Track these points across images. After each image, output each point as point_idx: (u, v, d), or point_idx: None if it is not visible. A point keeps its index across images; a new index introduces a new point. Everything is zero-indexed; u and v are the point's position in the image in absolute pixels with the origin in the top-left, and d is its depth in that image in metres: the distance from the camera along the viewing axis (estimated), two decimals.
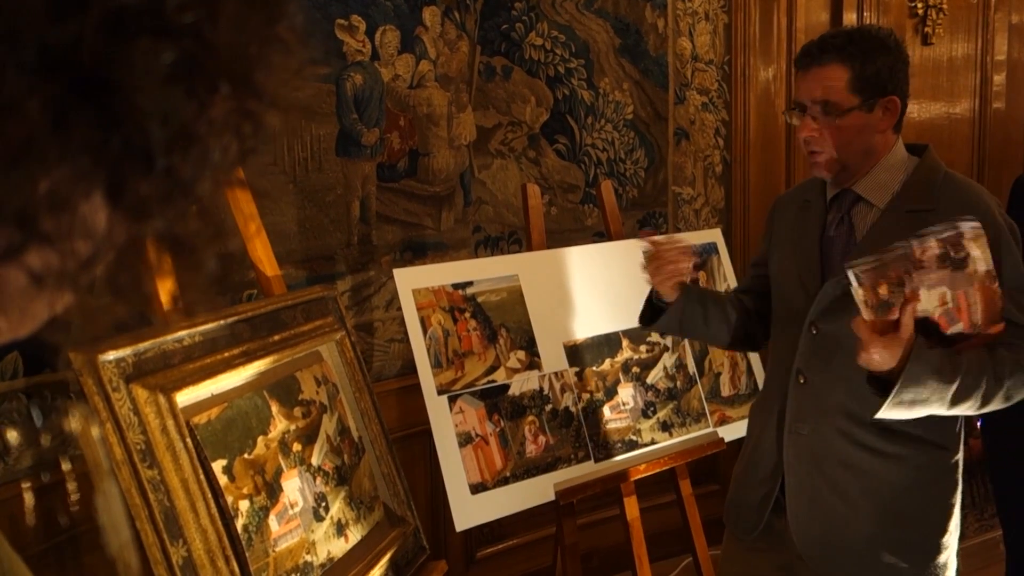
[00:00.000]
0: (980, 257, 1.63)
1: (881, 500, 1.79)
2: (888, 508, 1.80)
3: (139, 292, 0.37)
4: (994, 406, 1.69)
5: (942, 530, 1.83)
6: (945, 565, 1.85)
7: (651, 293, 2.03)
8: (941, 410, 1.67)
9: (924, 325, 1.67)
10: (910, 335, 1.61)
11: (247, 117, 0.36)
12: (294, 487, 1.65)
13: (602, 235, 2.89)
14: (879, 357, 1.61)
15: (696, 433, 2.54)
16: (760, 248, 2.12)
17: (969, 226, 1.62)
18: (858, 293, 1.64)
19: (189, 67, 0.33)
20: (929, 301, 1.64)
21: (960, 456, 1.85)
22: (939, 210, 1.72)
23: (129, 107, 0.32)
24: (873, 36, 1.75)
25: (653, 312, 2.03)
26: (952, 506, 1.84)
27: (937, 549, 1.83)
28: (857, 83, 1.72)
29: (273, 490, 1.60)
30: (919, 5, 3.57)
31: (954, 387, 1.64)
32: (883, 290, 1.64)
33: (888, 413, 1.67)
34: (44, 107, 0.31)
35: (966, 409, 1.69)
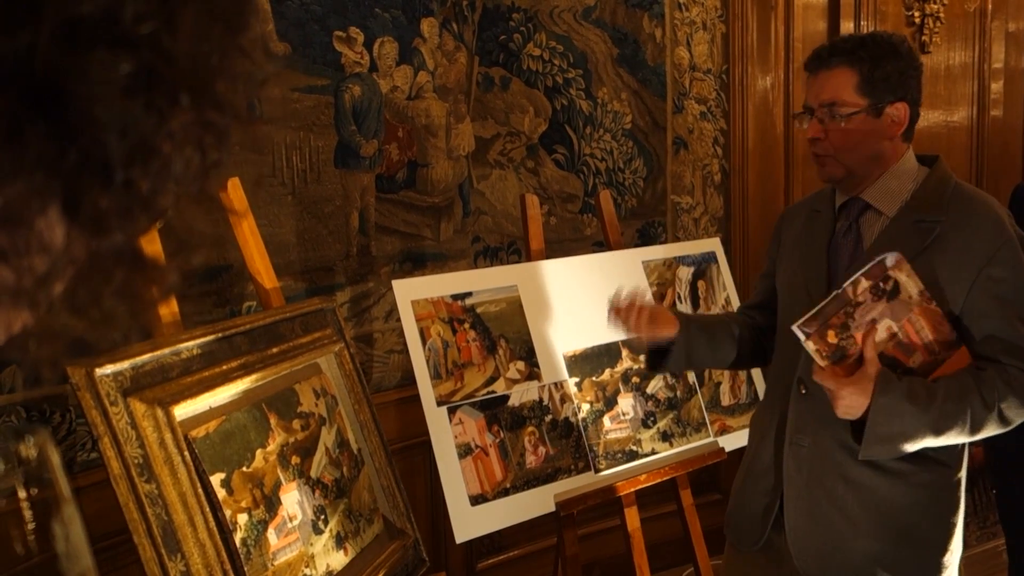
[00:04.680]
0: (908, 282, 1.69)
1: (881, 516, 1.76)
2: (888, 525, 1.77)
3: (100, 309, 0.36)
4: (990, 431, 1.66)
5: (943, 549, 1.80)
6: None
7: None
8: (930, 440, 1.65)
9: (885, 364, 1.70)
10: (877, 369, 1.63)
11: (209, 129, 0.35)
12: (293, 500, 1.65)
13: (601, 245, 2.89)
14: (851, 399, 1.62)
15: (697, 443, 2.54)
16: (766, 261, 2.10)
17: (890, 257, 1.68)
18: (809, 347, 1.71)
19: (148, 78, 0.32)
20: (878, 335, 1.69)
21: (963, 474, 1.81)
22: (948, 221, 1.70)
23: (86, 119, 0.31)
24: (884, 41, 1.74)
25: (658, 355, 1.98)
26: (954, 525, 1.80)
27: (938, 568, 1.80)
28: (865, 86, 1.71)
29: (272, 503, 1.59)
30: (916, 14, 3.58)
31: (934, 413, 1.62)
32: (831, 337, 1.70)
33: (871, 452, 1.67)
34: None
35: (957, 436, 1.66)
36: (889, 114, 1.73)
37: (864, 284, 1.69)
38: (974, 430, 1.65)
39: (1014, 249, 1.68)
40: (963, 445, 1.79)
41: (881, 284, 1.69)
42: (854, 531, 1.77)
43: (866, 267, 1.70)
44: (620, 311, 1.91)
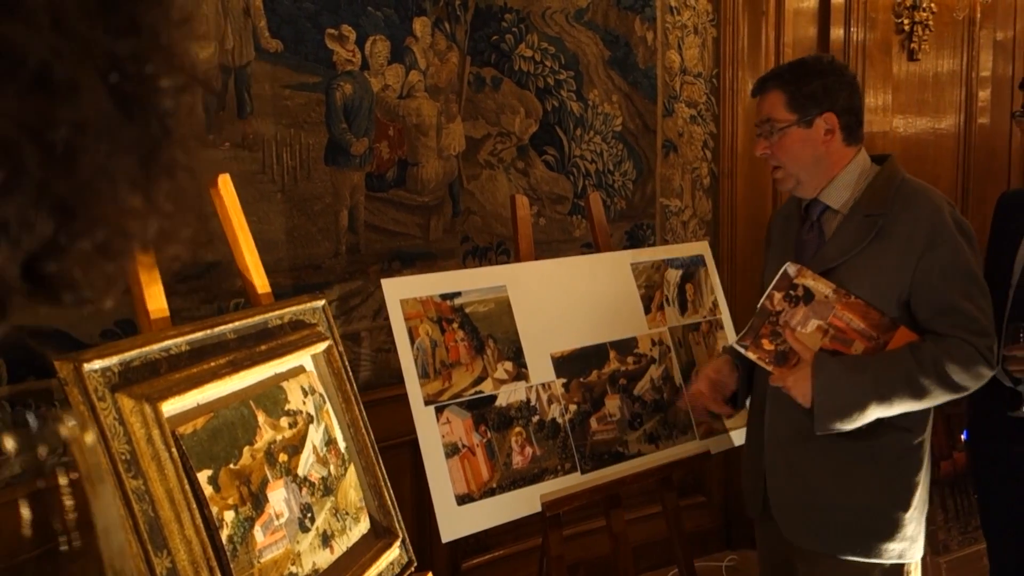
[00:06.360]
0: (816, 285, 1.92)
1: (844, 478, 1.95)
2: (851, 486, 1.95)
3: (74, 292, 0.37)
4: (939, 395, 1.84)
5: (905, 504, 1.96)
6: (913, 538, 1.98)
7: None
8: (881, 408, 1.83)
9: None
10: (811, 355, 1.88)
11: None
12: (280, 498, 1.64)
13: (590, 246, 2.90)
14: (798, 388, 1.87)
15: (683, 445, 2.55)
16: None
17: (791, 268, 1.94)
18: (751, 357, 1.97)
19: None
20: (812, 337, 1.92)
21: (925, 437, 1.98)
22: (890, 214, 1.90)
23: None
24: (808, 64, 2.01)
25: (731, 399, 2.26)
26: (916, 484, 1.98)
27: (899, 524, 1.96)
28: (793, 102, 1.96)
29: (259, 501, 1.59)
30: (905, 21, 3.60)
31: (870, 378, 1.82)
32: (767, 345, 1.95)
33: (825, 426, 1.87)
34: None
35: (906, 401, 1.83)
36: (819, 124, 1.96)
37: (777, 295, 1.93)
38: (920, 394, 1.83)
39: (951, 233, 1.87)
40: (927, 411, 1.96)
41: (791, 292, 1.92)
42: (823, 491, 1.97)
43: (774, 280, 1.94)
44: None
